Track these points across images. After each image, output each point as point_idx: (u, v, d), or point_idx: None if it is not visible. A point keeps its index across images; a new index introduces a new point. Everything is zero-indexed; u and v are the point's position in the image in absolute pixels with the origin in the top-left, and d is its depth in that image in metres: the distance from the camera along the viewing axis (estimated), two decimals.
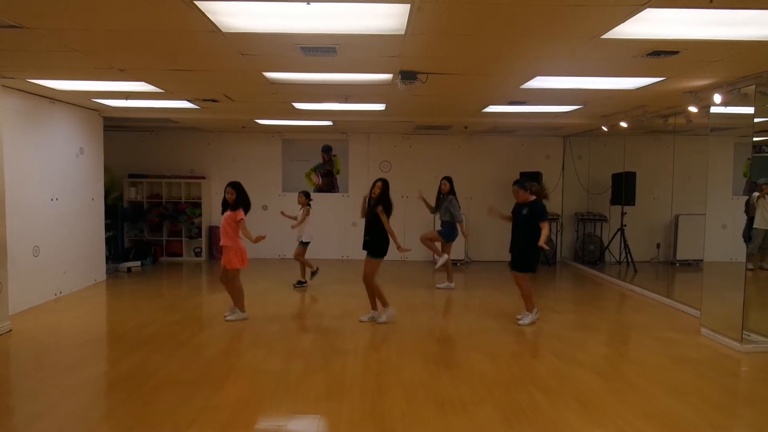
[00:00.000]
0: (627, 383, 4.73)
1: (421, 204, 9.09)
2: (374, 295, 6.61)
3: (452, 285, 8.70)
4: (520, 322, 6.60)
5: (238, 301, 6.68)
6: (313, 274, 8.70)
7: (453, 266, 9.80)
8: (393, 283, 8.80)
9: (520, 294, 6.75)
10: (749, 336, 5.70)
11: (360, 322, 6.60)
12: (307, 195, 8.61)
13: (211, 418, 3.98)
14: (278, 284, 8.86)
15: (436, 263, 8.68)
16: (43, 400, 4.26)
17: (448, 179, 8.71)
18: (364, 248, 6.56)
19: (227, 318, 6.65)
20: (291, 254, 8.99)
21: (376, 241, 6.46)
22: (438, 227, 8.96)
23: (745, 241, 7.10)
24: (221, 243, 6.56)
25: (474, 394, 4.43)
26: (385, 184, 6.49)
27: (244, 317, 6.68)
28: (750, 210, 7.04)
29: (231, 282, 6.62)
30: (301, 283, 8.70)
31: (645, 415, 4.09)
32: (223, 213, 6.60)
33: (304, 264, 8.67)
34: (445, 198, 8.63)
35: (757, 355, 5.51)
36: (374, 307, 6.69)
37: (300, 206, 8.55)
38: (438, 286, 8.79)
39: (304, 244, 8.59)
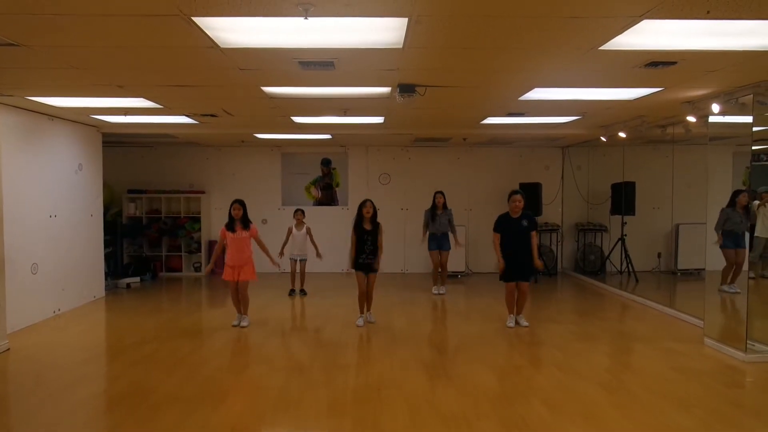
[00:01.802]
0: (631, 395, 4.69)
1: (418, 219, 9.28)
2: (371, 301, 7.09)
3: (437, 292, 9.15)
4: (525, 324, 6.90)
5: (247, 307, 7.05)
6: (293, 291, 9.05)
7: (454, 278, 10.12)
8: (394, 295, 8.79)
9: (520, 302, 6.93)
10: (753, 346, 5.66)
11: (358, 327, 6.81)
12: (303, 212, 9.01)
13: None
14: (278, 299, 8.82)
15: (439, 291, 9.09)
16: (42, 420, 4.21)
17: (443, 193, 9.02)
18: (366, 267, 6.81)
19: (243, 325, 6.94)
20: (289, 268, 9.06)
21: (377, 255, 6.84)
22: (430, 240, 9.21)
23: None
24: (236, 263, 6.80)
25: (477, 408, 4.39)
26: (373, 204, 6.87)
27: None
28: (724, 223, 7.04)
29: (244, 292, 6.95)
30: (302, 292, 9.07)
31: (650, 428, 4.05)
32: (231, 230, 6.79)
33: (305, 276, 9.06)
34: (445, 212, 8.97)
35: (761, 365, 5.46)
36: (369, 309, 7.08)
37: (298, 222, 8.80)
38: (437, 291, 9.12)
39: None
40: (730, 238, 7.02)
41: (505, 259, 6.78)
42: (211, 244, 11.33)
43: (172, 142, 10.77)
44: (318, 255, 8.69)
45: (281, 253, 8.50)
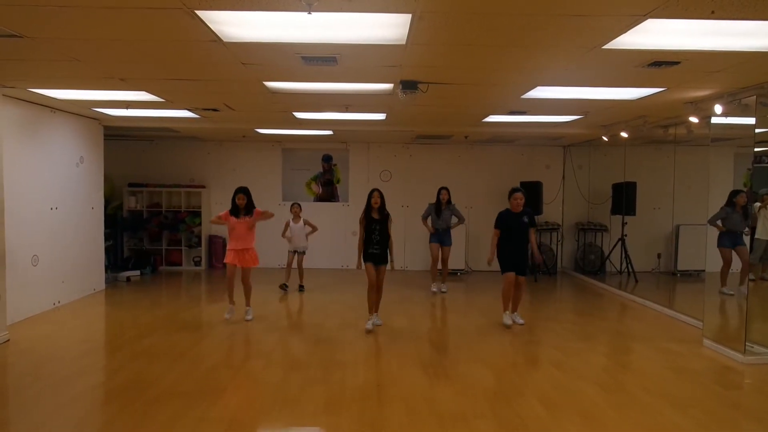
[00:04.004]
0: (629, 396, 4.69)
1: (419, 216, 9.29)
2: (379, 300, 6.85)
3: (437, 287, 9.16)
4: (521, 321, 6.94)
5: (250, 297, 7.08)
6: (286, 286, 9.12)
7: (453, 275, 10.13)
8: (394, 292, 8.78)
9: (516, 297, 6.94)
10: (752, 347, 5.65)
11: (368, 330, 6.62)
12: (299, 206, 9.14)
13: (210, 430, 3.94)
14: (277, 294, 8.83)
15: (441, 289, 9.13)
16: (40, 412, 4.22)
17: (448, 189, 9.00)
18: (377, 260, 6.61)
19: (247, 318, 6.99)
20: (287, 260, 9.14)
21: (386, 249, 6.67)
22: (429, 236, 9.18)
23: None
24: (240, 247, 6.82)
25: (475, 407, 4.39)
26: (381, 193, 6.66)
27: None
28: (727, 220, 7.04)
29: (248, 280, 6.98)
30: (301, 288, 9.11)
31: (647, 428, 4.06)
32: (235, 215, 6.86)
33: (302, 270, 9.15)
34: (449, 206, 8.98)
35: (759, 367, 5.46)
36: (376, 309, 6.80)
37: (295, 216, 8.92)
38: (436, 289, 9.14)
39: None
40: (727, 237, 7.01)
41: (505, 253, 6.82)
42: (212, 238, 11.36)
43: (174, 136, 10.76)
44: (308, 234, 8.95)
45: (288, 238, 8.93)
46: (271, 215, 7.10)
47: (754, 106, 5.52)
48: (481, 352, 5.87)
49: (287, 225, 8.92)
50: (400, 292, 9.08)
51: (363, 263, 6.61)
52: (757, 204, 7.57)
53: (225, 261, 6.96)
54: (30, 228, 7.03)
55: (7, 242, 6.19)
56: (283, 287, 9.06)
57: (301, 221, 8.89)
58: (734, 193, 6.99)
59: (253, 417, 4.22)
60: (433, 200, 9.07)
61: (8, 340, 6.03)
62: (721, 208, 6.85)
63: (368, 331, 6.55)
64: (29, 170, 7.04)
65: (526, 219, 6.78)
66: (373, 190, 6.67)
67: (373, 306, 6.73)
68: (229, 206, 6.98)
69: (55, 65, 5.08)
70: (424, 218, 9.06)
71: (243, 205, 6.84)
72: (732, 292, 6.72)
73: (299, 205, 9.04)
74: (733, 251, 7.14)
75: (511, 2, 3.37)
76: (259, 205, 7.20)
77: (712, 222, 6.74)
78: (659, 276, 10.57)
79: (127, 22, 3.81)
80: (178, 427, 3.96)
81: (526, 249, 6.85)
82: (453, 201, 9.18)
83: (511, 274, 6.80)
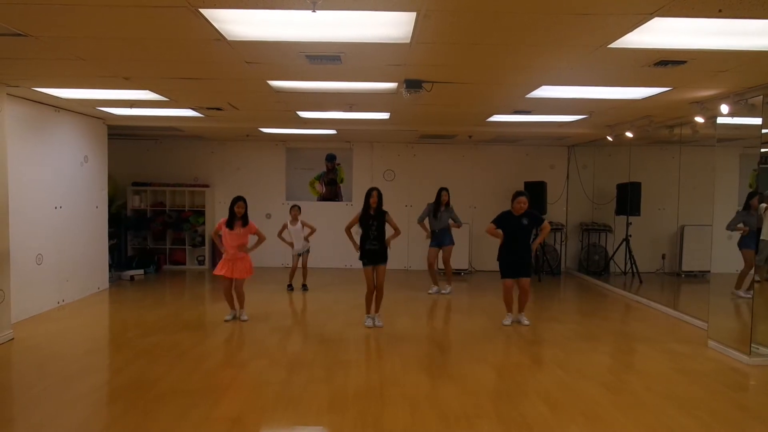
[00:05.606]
0: (633, 396, 4.67)
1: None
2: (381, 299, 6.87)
3: (437, 290, 9.06)
4: (526, 322, 6.97)
5: (243, 303, 7.07)
6: (291, 287, 9.16)
7: (457, 275, 10.05)
8: (397, 292, 8.78)
9: (522, 299, 6.97)
10: (757, 349, 5.62)
11: (367, 327, 6.70)
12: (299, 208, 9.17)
13: (213, 429, 3.94)
14: (279, 293, 8.84)
15: (443, 290, 9.04)
16: (45, 410, 4.22)
17: (448, 191, 8.93)
18: (377, 259, 6.65)
19: (243, 319, 7.01)
20: (291, 263, 9.16)
21: (384, 245, 6.71)
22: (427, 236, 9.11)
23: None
24: (232, 257, 6.82)
25: (478, 407, 4.38)
26: (380, 193, 6.68)
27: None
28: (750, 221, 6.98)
29: (240, 289, 6.96)
30: (304, 287, 9.18)
31: (651, 429, 4.03)
32: (231, 226, 6.79)
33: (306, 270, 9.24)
34: (447, 209, 8.90)
35: (765, 368, 5.43)
36: (377, 310, 6.87)
37: (293, 218, 8.91)
38: (443, 291, 9.01)
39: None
40: (752, 238, 6.94)
41: (504, 256, 6.86)
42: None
43: (177, 136, 10.78)
44: (307, 237, 8.93)
45: (289, 243, 8.91)
46: (264, 239, 7.06)
47: (761, 106, 5.49)
48: (484, 352, 5.86)
49: (284, 227, 8.89)
50: (403, 292, 9.07)
51: (362, 265, 6.69)
52: (763, 205, 7.53)
53: (215, 272, 7.01)
54: (34, 227, 7.04)
55: (12, 241, 6.21)
56: (289, 288, 9.09)
57: (299, 223, 8.88)
58: (751, 196, 6.96)
59: (257, 416, 4.21)
60: (427, 200, 9.06)
61: (13, 338, 6.04)
62: (738, 213, 6.81)
63: (368, 327, 6.72)
64: (33, 169, 7.06)
65: (525, 221, 6.78)
66: (371, 190, 6.65)
67: (371, 307, 6.81)
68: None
69: (59, 64, 5.09)
70: (421, 220, 8.96)
71: (241, 214, 6.79)
72: (749, 296, 6.65)
73: (299, 207, 9.03)
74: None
75: (516, 1, 3.35)
76: (262, 205, 7.21)
77: (731, 227, 6.71)
78: (664, 277, 10.53)
79: (131, 20, 3.80)
80: (182, 426, 3.95)
81: (527, 251, 6.87)
82: (457, 201, 9.14)
83: (510, 281, 6.88)
